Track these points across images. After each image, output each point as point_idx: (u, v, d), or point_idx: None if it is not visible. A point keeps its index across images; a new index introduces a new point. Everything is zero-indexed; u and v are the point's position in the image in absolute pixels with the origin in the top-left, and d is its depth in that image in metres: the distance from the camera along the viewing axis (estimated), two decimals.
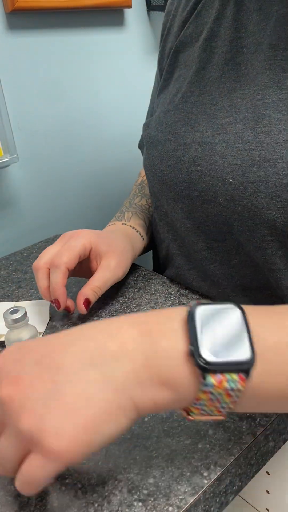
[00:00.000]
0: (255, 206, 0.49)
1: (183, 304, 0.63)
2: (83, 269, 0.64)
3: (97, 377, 0.31)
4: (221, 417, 0.33)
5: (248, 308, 0.33)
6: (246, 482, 0.44)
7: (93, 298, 0.59)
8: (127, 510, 0.37)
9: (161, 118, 0.62)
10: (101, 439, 0.31)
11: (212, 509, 0.40)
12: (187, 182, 0.56)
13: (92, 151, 1.04)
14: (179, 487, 0.39)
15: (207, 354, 0.30)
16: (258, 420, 0.44)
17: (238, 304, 0.33)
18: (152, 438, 0.43)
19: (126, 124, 1.07)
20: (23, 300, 0.69)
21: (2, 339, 0.58)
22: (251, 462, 0.43)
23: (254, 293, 0.59)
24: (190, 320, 0.32)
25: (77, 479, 0.40)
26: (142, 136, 0.85)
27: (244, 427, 0.43)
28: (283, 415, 0.45)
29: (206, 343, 0.31)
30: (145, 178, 0.82)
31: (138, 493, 0.39)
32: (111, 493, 0.39)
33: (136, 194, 0.80)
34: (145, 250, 0.75)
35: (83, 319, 0.63)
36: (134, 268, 0.73)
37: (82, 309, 0.58)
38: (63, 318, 0.64)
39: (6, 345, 0.52)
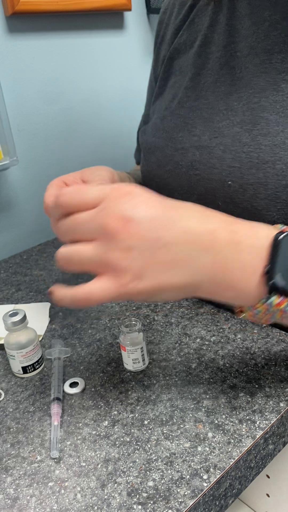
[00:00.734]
0: (255, 208, 0.49)
1: (182, 306, 0.63)
2: None
3: (185, 257, 0.37)
4: (265, 323, 0.41)
5: None
6: (245, 485, 0.44)
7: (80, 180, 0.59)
8: None
9: (157, 124, 0.62)
10: (167, 298, 0.39)
11: None
12: (186, 187, 0.56)
13: (92, 153, 1.05)
14: (178, 490, 0.39)
15: (280, 279, 0.36)
16: (257, 423, 0.44)
17: None
18: (151, 441, 0.43)
19: (126, 127, 1.07)
20: (23, 303, 0.69)
21: (2, 341, 0.58)
22: (251, 465, 0.43)
23: None
24: (274, 244, 0.37)
25: (76, 482, 0.40)
26: (137, 145, 0.85)
27: (243, 430, 0.43)
28: (283, 419, 0.45)
29: (281, 269, 0.36)
30: (132, 169, 0.81)
31: (137, 496, 0.39)
32: (111, 496, 0.39)
33: (124, 177, 0.76)
34: None
35: (82, 322, 0.63)
36: None
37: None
38: (62, 321, 0.64)
39: (5, 348, 0.52)
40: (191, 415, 0.46)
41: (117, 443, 0.44)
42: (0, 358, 0.57)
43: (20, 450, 0.44)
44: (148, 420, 0.46)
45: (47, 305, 0.67)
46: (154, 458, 0.42)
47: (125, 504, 0.38)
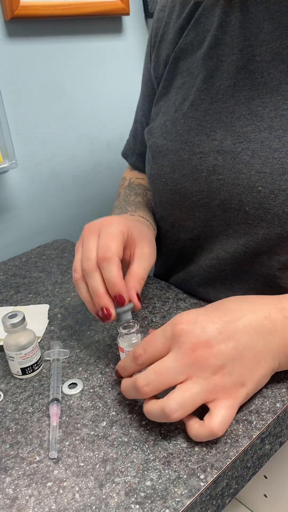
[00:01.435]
0: (286, 214, 0.49)
1: (180, 308, 0.64)
2: None
3: (262, 348, 0.44)
4: None
5: None
6: (242, 485, 0.44)
7: (140, 291, 0.54)
8: None
9: (168, 127, 0.61)
10: (255, 391, 0.46)
11: (208, 511, 0.41)
12: (206, 191, 0.56)
13: (91, 156, 1.05)
14: (176, 489, 0.39)
15: None
16: (254, 423, 0.44)
17: None
18: (149, 441, 0.44)
19: (125, 130, 1.07)
20: (22, 305, 0.69)
21: (1, 343, 0.59)
22: (248, 465, 0.44)
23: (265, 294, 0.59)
24: None
25: (74, 482, 0.41)
26: (127, 144, 0.85)
27: (240, 430, 0.44)
28: (279, 419, 0.46)
29: None
30: (132, 180, 0.80)
31: (135, 495, 0.39)
32: (109, 496, 0.39)
33: (128, 194, 0.78)
34: None
35: (80, 323, 0.63)
36: None
37: (139, 304, 0.53)
38: (61, 322, 0.64)
39: (4, 350, 0.53)
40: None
41: (115, 443, 0.44)
42: None
43: (19, 451, 0.44)
44: (146, 421, 0.46)
45: (46, 307, 0.67)
46: (152, 458, 0.42)
47: (123, 504, 0.38)
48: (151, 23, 1.05)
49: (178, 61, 0.63)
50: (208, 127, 0.56)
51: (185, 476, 0.40)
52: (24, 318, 0.52)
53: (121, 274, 0.50)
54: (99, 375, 0.53)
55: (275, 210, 0.50)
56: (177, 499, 0.38)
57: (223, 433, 0.42)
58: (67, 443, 0.45)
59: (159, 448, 0.43)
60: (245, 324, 0.43)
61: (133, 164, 0.84)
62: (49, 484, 0.41)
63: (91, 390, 0.51)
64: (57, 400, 0.49)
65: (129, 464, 0.42)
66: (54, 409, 0.48)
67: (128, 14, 0.98)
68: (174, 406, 0.41)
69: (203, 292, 0.66)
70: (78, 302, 0.68)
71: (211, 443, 0.43)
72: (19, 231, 0.98)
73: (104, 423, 0.46)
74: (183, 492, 0.39)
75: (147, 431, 0.45)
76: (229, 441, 0.43)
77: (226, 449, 0.42)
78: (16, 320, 0.51)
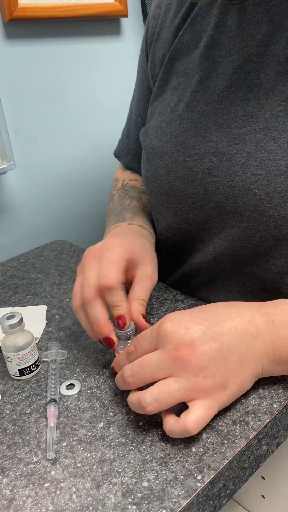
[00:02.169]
0: (282, 216, 0.49)
1: (178, 309, 0.64)
2: None
3: (246, 351, 0.44)
4: None
5: None
6: (239, 486, 0.44)
7: (144, 312, 0.54)
8: None
9: (163, 128, 0.60)
10: (237, 396, 0.46)
11: None
12: (201, 194, 0.56)
13: (90, 157, 1.05)
14: (172, 490, 0.39)
15: None
16: (251, 424, 0.44)
17: None
18: (146, 442, 0.44)
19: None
20: (20, 306, 0.70)
21: None
22: (245, 465, 0.44)
23: (264, 298, 0.59)
24: None
25: (72, 483, 0.41)
26: (120, 144, 0.84)
27: (237, 431, 0.44)
28: (276, 420, 0.46)
29: None
30: (126, 181, 0.80)
31: (132, 496, 0.39)
32: (106, 497, 0.39)
33: (122, 197, 0.76)
34: None
35: (78, 325, 0.63)
36: None
37: (147, 325, 0.53)
38: (59, 323, 0.64)
39: (2, 351, 0.53)
40: None
41: (112, 444, 0.44)
42: None
43: (17, 452, 0.45)
44: (143, 422, 0.46)
45: (44, 308, 0.68)
46: (149, 458, 0.42)
47: (120, 505, 0.38)
48: None
49: (174, 61, 0.62)
50: (203, 128, 0.56)
51: (182, 477, 0.40)
52: (22, 319, 0.52)
53: (123, 299, 0.52)
54: (97, 376, 0.53)
55: (270, 212, 0.50)
56: (174, 500, 0.38)
57: (196, 432, 0.42)
58: (64, 444, 0.45)
59: (156, 449, 0.43)
60: (230, 327, 0.44)
61: (127, 165, 0.83)
62: (46, 485, 0.41)
63: (88, 391, 0.51)
64: (54, 401, 0.49)
65: (126, 465, 0.42)
66: (52, 410, 0.48)
67: (126, 16, 0.98)
68: (149, 399, 0.42)
69: (201, 293, 0.66)
70: None
71: (208, 444, 0.43)
72: (17, 232, 0.98)
73: (102, 424, 0.47)
74: (180, 493, 0.39)
75: (144, 432, 0.45)
76: (226, 441, 0.43)
77: (223, 450, 0.42)
78: (14, 321, 0.51)
